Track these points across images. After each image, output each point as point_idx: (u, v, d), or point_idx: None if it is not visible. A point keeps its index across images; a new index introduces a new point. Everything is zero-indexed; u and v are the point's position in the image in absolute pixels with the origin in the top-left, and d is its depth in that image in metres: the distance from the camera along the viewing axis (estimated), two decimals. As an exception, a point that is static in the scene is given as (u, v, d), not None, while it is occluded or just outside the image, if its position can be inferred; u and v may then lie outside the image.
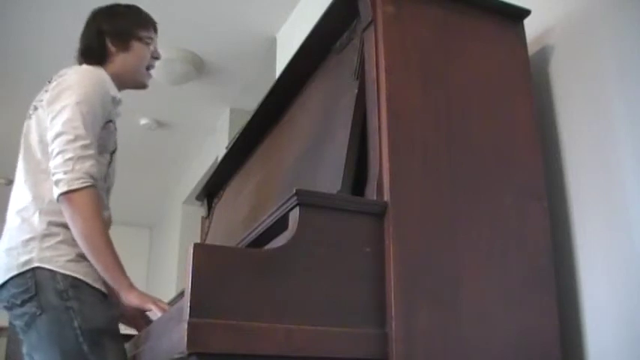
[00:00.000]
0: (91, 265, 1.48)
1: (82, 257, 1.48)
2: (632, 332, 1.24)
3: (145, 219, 6.29)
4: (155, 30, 1.77)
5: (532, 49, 1.52)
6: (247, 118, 1.98)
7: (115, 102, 1.63)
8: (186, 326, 0.99)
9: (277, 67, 3.17)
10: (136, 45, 1.71)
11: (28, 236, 1.49)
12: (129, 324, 1.69)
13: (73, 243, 1.48)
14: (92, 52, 1.70)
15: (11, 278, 1.46)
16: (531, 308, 1.25)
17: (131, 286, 1.49)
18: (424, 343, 1.13)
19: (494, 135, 1.35)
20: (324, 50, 1.58)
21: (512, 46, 1.45)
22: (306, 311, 1.08)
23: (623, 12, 1.38)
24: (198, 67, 3.63)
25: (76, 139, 1.47)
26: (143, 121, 4.32)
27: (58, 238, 1.48)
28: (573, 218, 1.40)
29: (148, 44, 1.73)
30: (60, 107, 1.51)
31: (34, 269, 1.44)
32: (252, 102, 3.36)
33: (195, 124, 4.44)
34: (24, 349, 1.56)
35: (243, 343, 1.02)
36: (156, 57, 1.77)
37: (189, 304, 1.01)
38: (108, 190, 1.68)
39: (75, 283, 1.44)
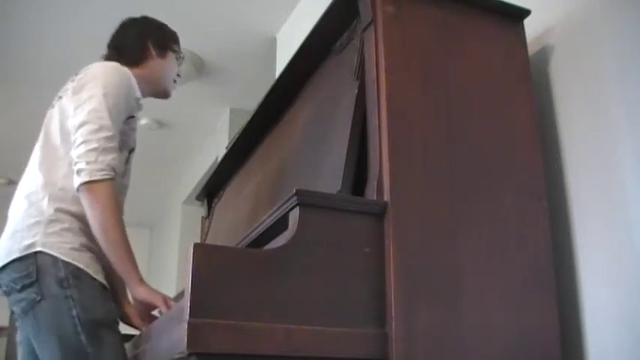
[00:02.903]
0: (93, 257, 1.49)
1: (85, 247, 1.48)
2: (632, 332, 1.24)
3: (145, 219, 6.29)
4: (182, 55, 1.90)
5: (532, 49, 1.52)
6: (247, 118, 1.98)
7: (138, 103, 1.67)
8: (186, 326, 0.99)
9: (277, 67, 3.17)
10: (171, 56, 1.82)
11: (33, 220, 1.49)
12: (129, 322, 1.70)
13: (78, 232, 1.49)
14: (131, 51, 1.75)
15: (12, 262, 1.46)
16: (531, 308, 1.25)
17: (142, 280, 1.50)
18: (424, 343, 1.13)
19: (494, 135, 1.35)
20: (324, 50, 1.58)
21: (512, 46, 1.45)
22: (306, 311, 1.08)
23: (623, 12, 1.38)
24: (198, 67, 3.63)
25: (100, 129, 1.48)
26: (143, 121, 4.32)
27: (64, 225, 1.48)
28: (573, 218, 1.40)
29: (178, 60, 1.85)
30: (86, 97, 1.53)
31: (36, 253, 1.44)
32: (252, 102, 3.35)
33: (195, 124, 4.44)
34: (17, 337, 1.56)
35: (243, 343, 1.02)
36: (178, 75, 1.88)
37: (189, 304, 1.01)
38: (125, 189, 1.69)
39: (76, 272, 1.44)
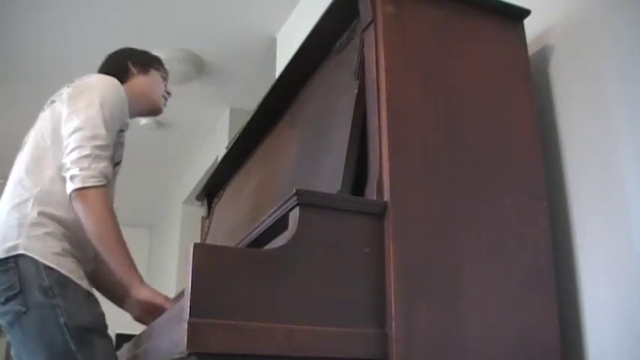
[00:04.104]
0: (76, 262, 1.49)
1: (67, 252, 1.48)
2: (632, 332, 1.24)
3: (145, 219, 6.29)
4: (167, 74, 1.91)
5: (532, 49, 1.52)
6: (247, 118, 1.98)
7: (126, 122, 1.68)
8: (186, 326, 0.99)
9: (277, 67, 3.17)
10: (154, 73, 1.84)
11: (16, 222, 1.48)
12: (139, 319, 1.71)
13: (60, 237, 1.48)
14: (113, 70, 1.75)
15: None
16: (531, 308, 1.25)
17: (142, 281, 1.51)
18: (424, 343, 1.13)
19: (494, 135, 1.35)
20: (324, 50, 1.58)
21: (512, 46, 1.45)
22: (306, 311, 1.08)
23: (623, 12, 1.38)
24: (198, 67, 3.63)
25: (94, 137, 1.49)
26: (143, 121, 4.32)
27: (47, 230, 1.48)
28: (573, 218, 1.40)
29: (163, 78, 1.87)
30: (83, 104, 1.54)
31: (17, 257, 1.43)
32: (252, 102, 3.34)
33: (195, 124, 4.44)
34: (12, 351, 1.56)
35: (243, 343, 1.02)
36: (168, 92, 1.89)
37: (189, 304, 1.01)
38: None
39: (60, 279, 1.43)
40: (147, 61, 1.84)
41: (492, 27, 1.45)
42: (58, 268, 1.44)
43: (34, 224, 1.48)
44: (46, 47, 3.43)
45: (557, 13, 1.53)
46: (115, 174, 1.68)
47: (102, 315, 1.50)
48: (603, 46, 1.40)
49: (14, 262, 1.43)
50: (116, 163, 1.67)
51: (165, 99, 1.88)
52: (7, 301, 1.42)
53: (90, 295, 1.50)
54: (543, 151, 1.41)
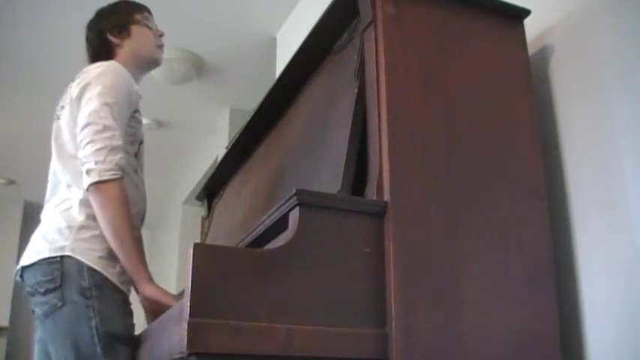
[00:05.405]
0: (120, 265, 1.51)
1: (112, 256, 1.50)
2: (633, 332, 1.24)
3: (145, 219, 6.28)
4: (148, 12, 1.82)
5: (532, 49, 1.52)
6: (247, 118, 1.98)
7: (137, 95, 1.67)
8: (186, 326, 0.99)
9: (277, 67, 3.17)
10: (135, 29, 1.76)
11: (64, 224, 1.51)
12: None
13: (105, 240, 1.50)
14: (100, 52, 1.74)
15: (40, 262, 1.47)
16: (531, 308, 1.25)
17: (151, 279, 1.52)
18: (424, 343, 1.13)
19: (495, 135, 1.35)
20: (324, 50, 1.58)
21: (512, 46, 1.45)
22: (306, 311, 1.08)
23: (623, 12, 1.38)
24: (198, 67, 3.64)
25: (104, 129, 1.50)
26: (143, 121, 4.31)
27: (94, 232, 1.50)
28: (573, 218, 1.40)
29: (146, 25, 1.79)
30: (86, 100, 1.55)
31: (63, 258, 1.46)
32: (252, 102, 3.34)
33: (195, 124, 4.44)
34: (37, 336, 1.58)
35: (243, 343, 1.02)
36: (160, 35, 1.82)
37: (189, 304, 1.01)
38: (142, 185, 1.71)
39: (100, 283, 1.46)
40: (122, 22, 1.76)
41: (492, 27, 1.45)
42: (102, 271, 1.48)
43: (82, 227, 1.51)
44: (46, 47, 3.43)
45: (557, 13, 1.53)
46: (141, 152, 1.70)
47: (132, 326, 1.52)
48: (603, 46, 1.40)
49: (60, 259, 1.47)
50: (140, 142, 1.69)
51: (161, 44, 1.82)
52: (46, 292, 1.45)
53: (126, 303, 1.53)
54: (543, 151, 1.41)
